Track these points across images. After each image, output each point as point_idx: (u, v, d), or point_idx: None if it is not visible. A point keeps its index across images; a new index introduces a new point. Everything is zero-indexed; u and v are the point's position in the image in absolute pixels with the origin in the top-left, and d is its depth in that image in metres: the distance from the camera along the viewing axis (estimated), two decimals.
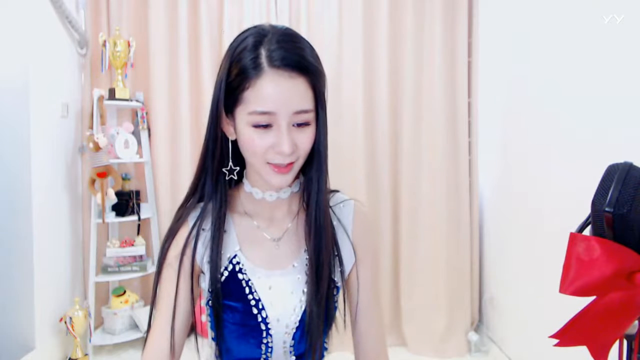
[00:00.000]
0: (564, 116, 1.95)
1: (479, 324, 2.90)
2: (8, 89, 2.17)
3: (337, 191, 0.94)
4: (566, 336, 0.76)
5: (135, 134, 2.81)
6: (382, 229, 2.87)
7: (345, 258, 0.87)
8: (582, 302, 0.75)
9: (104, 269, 2.73)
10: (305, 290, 0.82)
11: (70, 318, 2.46)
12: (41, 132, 2.38)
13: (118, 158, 2.68)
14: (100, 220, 2.63)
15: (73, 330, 2.45)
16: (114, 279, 2.73)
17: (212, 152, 0.81)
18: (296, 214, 0.88)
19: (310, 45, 0.77)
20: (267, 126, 0.73)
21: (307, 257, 0.83)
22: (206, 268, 0.83)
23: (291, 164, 0.76)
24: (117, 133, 2.71)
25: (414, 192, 2.84)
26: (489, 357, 2.68)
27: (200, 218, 0.83)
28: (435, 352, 2.73)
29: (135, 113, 2.89)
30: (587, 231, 0.75)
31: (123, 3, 2.85)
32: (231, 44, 0.78)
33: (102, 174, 2.58)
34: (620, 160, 0.71)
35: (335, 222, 0.88)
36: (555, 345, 0.78)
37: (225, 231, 0.83)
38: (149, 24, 2.82)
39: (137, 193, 2.82)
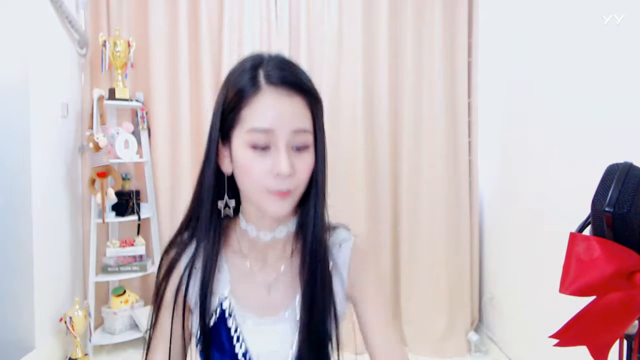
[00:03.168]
0: (564, 116, 1.95)
1: (479, 324, 2.90)
2: (8, 89, 2.17)
3: (338, 226, 0.88)
4: (566, 336, 0.76)
5: (135, 134, 2.81)
6: (382, 229, 2.87)
7: (339, 308, 0.82)
8: (582, 302, 0.75)
9: (104, 269, 2.73)
10: (297, 340, 0.77)
11: (70, 318, 2.46)
12: (41, 132, 2.38)
13: (118, 158, 2.68)
14: (100, 220, 2.63)
15: (73, 330, 2.45)
16: (114, 278, 2.73)
17: (208, 186, 0.78)
18: (290, 256, 0.82)
19: (306, 72, 0.76)
20: (265, 148, 0.71)
21: (301, 303, 0.78)
22: (196, 312, 0.80)
23: (290, 192, 0.73)
24: (117, 133, 2.71)
25: (414, 192, 2.84)
26: (489, 357, 2.68)
27: (194, 256, 0.80)
28: (435, 352, 2.73)
29: (135, 113, 2.89)
30: (587, 231, 0.75)
31: (123, 3, 2.85)
32: (229, 72, 0.77)
33: (102, 174, 2.58)
34: (620, 160, 0.71)
35: (331, 265, 0.82)
36: (555, 345, 0.78)
37: (217, 270, 0.80)
38: (149, 24, 2.82)
39: (137, 193, 2.82)
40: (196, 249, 0.81)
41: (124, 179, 2.81)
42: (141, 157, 2.82)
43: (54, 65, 2.56)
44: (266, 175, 0.71)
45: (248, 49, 2.85)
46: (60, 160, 2.61)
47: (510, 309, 2.54)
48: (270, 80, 0.71)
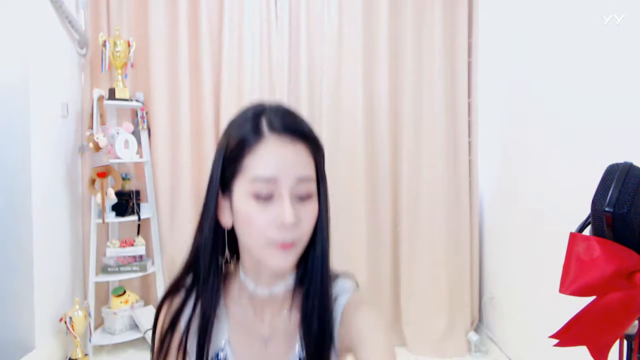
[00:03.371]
0: (564, 116, 1.95)
1: (479, 324, 2.90)
2: (8, 89, 2.17)
3: (340, 276, 0.83)
4: (566, 336, 0.76)
5: (135, 134, 2.81)
6: (382, 229, 2.87)
7: None
8: (582, 302, 0.75)
9: (104, 269, 2.73)
10: None
11: (70, 318, 2.46)
12: (41, 132, 2.38)
13: (118, 158, 2.68)
14: (100, 220, 2.63)
15: (73, 330, 2.45)
16: (114, 279, 2.73)
17: (206, 239, 0.75)
18: (289, 311, 0.79)
19: (308, 121, 0.76)
20: (268, 198, 0.68)
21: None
22: None
23: (294, 243, 0.70)
24: (117, 133, 2.71)
25: (414, 192, 2.84)
26: (489, 357, 2.68)
27: (194, 309, 0.78)
28: (435, 352, 2.73)
29: (135, 113, 2.89)
30: (587, 231, 0.75)
31: (123, 3, 2.85)
32: (229, 122, 0.76)
33: (102, 174, 2.58)
34: (620, 160, 0.71)
35: None
36: (555, 345, 0.78)
37: (216, 319, 0.78)
38: (149, 24, 2.82)
39: (137, 193, 2.82)
40: (195, 302, 0.78)
41: (124, 179, 2.81)
42: (141, 157, 2.82)
43: (54, 65, 2.56)
44: (269, 226, 0.68)
45: (248, 49, 2.85)
46: (60, 160, 2.61)
47: (510, 309, 2.54)
48: (273, 128, 0.69)
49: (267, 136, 0.69)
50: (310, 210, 0.72)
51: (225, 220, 0.74)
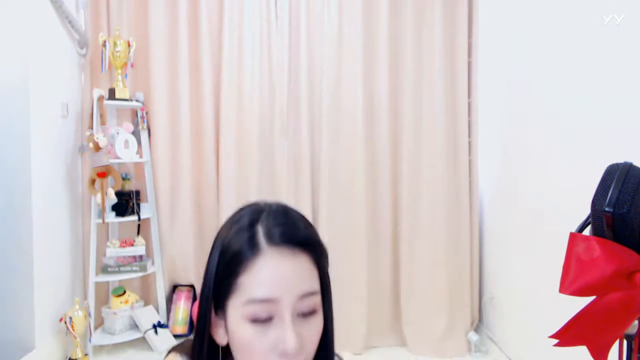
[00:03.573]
0: (564, 116, 1.95)
1: (479, 324, 2.90)
2: (8, 89, 2.17)
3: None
4: (566, 336, 0.76)
5: (135, 134, 2.81)
6: (382, 229, 2.87)
7: None
8: (582, 302, 0.75)
9: (103, 269, 2.73)
10: None
11: (70, 318, 2.46)
12: (41, 132, 2.38)
13: (118, 158, 2.68)
14: (100, 220, 2.63)
15: (73, 330, 2.45)
16: (113, 279, 2.73)
17: (199, 356, 0.68)
18: None
19: (309, 221, 0.69)
20: (266, 320, 0.61)
21: None
22: None
23: None
24: (117, 133, 2.71)
25: (414, 192, 2.84)
26: (489, 357, 2.68)
27: None
28: (435, 352, 2.73)
29: (135, 113, 2.89)
30: (587, 231, 0.75)
31: (123, 3, 2.85)
32: (223, 227, 0.69)
33: (102, 174, 2.58)
34: (620, 160, 0.71)
35: None
36: (555, 345, 0.78)
37: None
38: (149, 24, 2.82)
39: (137, 193, 2.82)
40: None
41: (124, 179, 2.81)
42: (141, 157, 2.82)
43: (54, 65, 2.56)
44: (270, 353, 0.61)
45: (248, 49, 2.85)
46: (60, 160, 2.61)
47: (510, 309, 2.54)
48: (271, 240, 0.63)
49: (264, 251, 0.62)
50: (315, 327, 0.64)
51: (220, 338, 0.67)
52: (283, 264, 0.62)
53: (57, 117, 2.58)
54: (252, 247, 0.62)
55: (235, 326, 0.63)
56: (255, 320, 0.61)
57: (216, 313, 0.67)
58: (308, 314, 0.63)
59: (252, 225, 0.64)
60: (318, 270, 0.66)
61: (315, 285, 0.65)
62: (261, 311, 0.61)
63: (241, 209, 0.70)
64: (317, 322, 0.65)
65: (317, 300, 0.64)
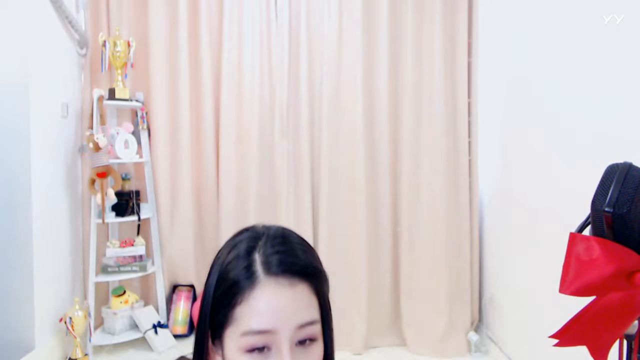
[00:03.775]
0: (564, 116, 1.95)
1: (479, 324, 2.90)
2: (8, 89, 2.17)
3: None
4: (566, 336, 0.76)
5: (135, 134, 2.81)
6: (382, 229, 2.87)
7: None
8: (582, 302, 0.75)
9: (103, 269, 2.73)
10: None
11: (70, 318, 2.46)
12: (41, 132, 2.38)
13: (118, 158, 2.68)
14: (100, 221, 2.63)
15: (73, 330, 2.45)
16: (113, 279, 2.73)
17: None
18: None
19: (309, 245, 0.68)
20: (263, 349, 0.60)
21: None
22: None
23: None
24: (117, 133, 2.71)
25: (414, 192, 2.84)
26: (489, 357, 2.68)
27: None
28: (435, 352, 2.73)
29: (135, 113, 2.89)
30: (587, 231, 0.75)
31: (123, 3, 2.85)
32: (223, 246, 0.68)
33: (102, 174, 2.58)
34: (620, 160, 0.71)
35: None
36: (555, 345, 0.78)
37: None
38: (149, 24, 2.82)
39: (137, 193, 2.82)
40: None
41: (124, 179, 2.81)
42: (141, 157, 2.82)
43: (54, 65, 2.56)
44: None
45: (248, 49, 2.85)
46: (60, 160, 2.61)
47: (510, 309, 2.54)
48: (269, 270, 0.61)
49: (261, 281, 0.61)
50: (315, 356, 0.63)
51: None
52: (281, 295, 0.61)
53: (57, 117, 2.58)
54: (249, 277, 0.61)
55: (232, 357, 0.62)
56: (252, 351, 0.60)
57: (213, 342, 0.66)
58: (307, 343, 0.62)
59: (249, 252, 0.63)
60: (318, 298, 0.65)
61: (315, 314, 0.63)
62: (258, 342, 0.60)
63: (240, 233, 0.69)
64: (317, 350, 0.63)
65: (316, 329, 0.63)
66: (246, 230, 0.69)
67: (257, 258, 0.62)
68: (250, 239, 0.65)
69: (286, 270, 0.62)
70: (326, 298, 0.67)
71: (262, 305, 0.60)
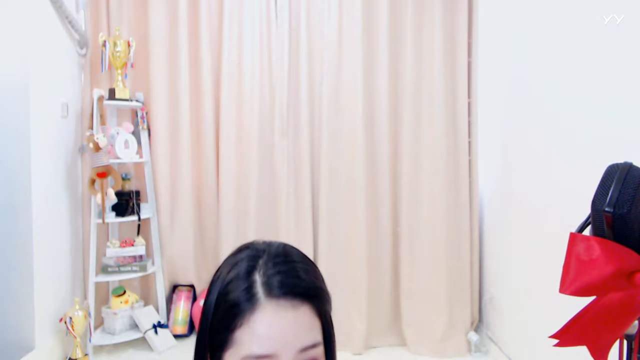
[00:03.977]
0: (564, 116, 1.95)
1: (479, 324, 2.90)
2: (8, 89, 2.17)
3: None
4: (566, 336, 0.76)
5: (135, 134, 2.81)
6: (382, 229, 2.87)
7: None
8: (582, 302, 0.75)
9: (103, 269, 2.73)
10: None
11: (70, 318, 2.46)
12: (41, 132, 2.38)
13: (118, 158, 2.68)
14: (100, 221, 2.63)
15: (73, 330, 2.45)
16: (114, 279, 2.73)
17: None
18: None
19: (311, 262, 0.67)
20: None
21: None
22: None
23: None
24: (117, 133, 2.71)
25: (414, 192, 2.84)
26: (489, 357, 2.68)
27: None
28: (435, 352, 2.73)
29: (135, 113, 2.89)
30: (587, 231, 0.75)
31: (123, 3, 2.85)
32: (224, 262, 0.67)
33: (102, 174, 2.58)
34: (620, 160, 0.71)
35: None
36: (555, 345, 0.78)
37: None
38: (149, 24, 2.82)
39: (137, 193, 2.82)
40: None
41: (124, 179, 2.81)
42: (141, 157, 2.82)
43: (54, 65, 2.56)
44: None
45: (248, 49, 2.85)
46: (60, 160, 2.61)
47: (510, 309, 2.54)
48: (270, 292, 0.59)
49: (262, 304, 0.59)
50: None
51: None
52: (282, 317, 0.59)
53: (57, 117, 2.58)
54: (250, 299, 0.59)
55: None
56: None
57: None
58: None
59: (249, 272, 0.62)
60: (320, 319, 0.63)
61: (317, 336, 0.62)
62: None
63: (240, 250, 0.67)
64: None
65: (319, 351, 0.62)
66: (246, 247, 0.67)
67: (258, 279, 0.61)
68: (251, 258, 0.64)
69: (288, 292, 0.60)
70: (329, 318, 0.66)
71: (263, 329, 0.58)
